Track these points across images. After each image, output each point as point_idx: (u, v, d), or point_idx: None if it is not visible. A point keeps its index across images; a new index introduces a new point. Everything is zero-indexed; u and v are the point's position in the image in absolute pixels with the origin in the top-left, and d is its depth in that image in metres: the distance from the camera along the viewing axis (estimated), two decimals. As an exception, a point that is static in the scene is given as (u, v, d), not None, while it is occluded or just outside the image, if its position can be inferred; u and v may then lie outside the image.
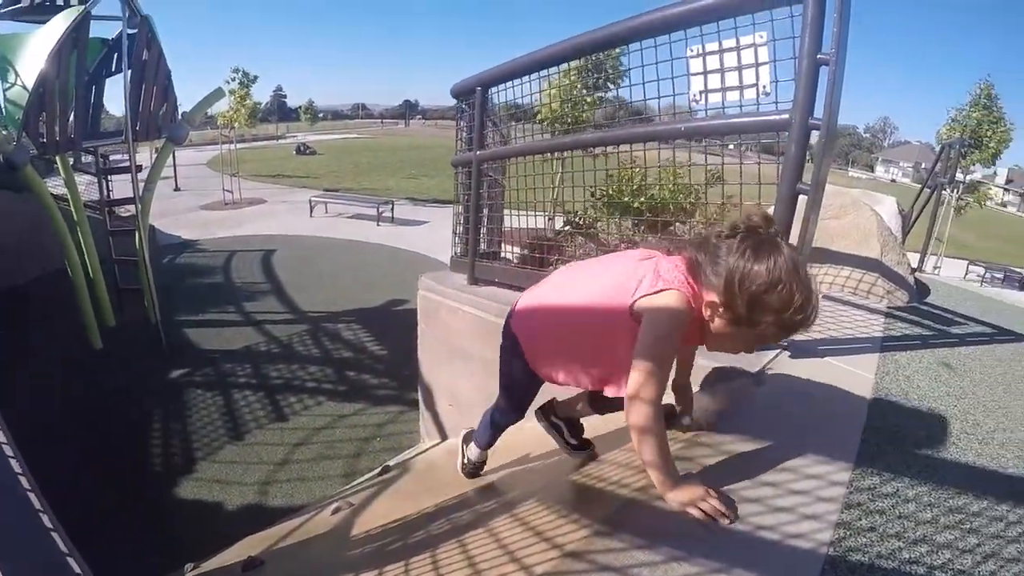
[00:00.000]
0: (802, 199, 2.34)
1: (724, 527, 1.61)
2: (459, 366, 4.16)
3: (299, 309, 10.62)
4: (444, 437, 4.54)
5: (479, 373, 3.88)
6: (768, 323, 1.56)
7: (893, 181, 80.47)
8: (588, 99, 7.10)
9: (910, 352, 3.43)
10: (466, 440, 2.85)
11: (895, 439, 2.27)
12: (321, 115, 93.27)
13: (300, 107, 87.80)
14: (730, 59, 2.43)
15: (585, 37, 3.04)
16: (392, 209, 20.43)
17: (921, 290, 5.00)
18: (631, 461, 2.08)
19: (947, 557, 1.64)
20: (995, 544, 1.75)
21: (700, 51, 2.50)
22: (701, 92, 2.53)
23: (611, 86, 7.26)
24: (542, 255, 3.94)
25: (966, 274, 20.63)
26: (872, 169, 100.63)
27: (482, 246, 4.30)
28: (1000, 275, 21.44)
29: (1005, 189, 75.66)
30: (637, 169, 3.39)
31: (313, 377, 7.98)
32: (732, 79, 2.44)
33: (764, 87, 2.36)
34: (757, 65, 2.36)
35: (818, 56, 2.19)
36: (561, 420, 2.56)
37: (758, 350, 2.28)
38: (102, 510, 5.00)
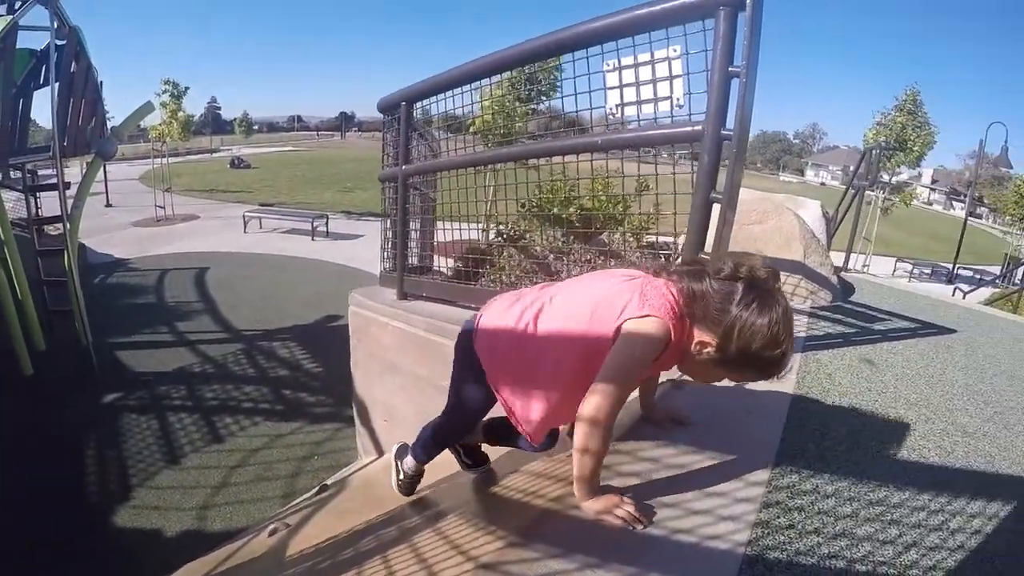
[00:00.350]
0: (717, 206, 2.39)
1: (640, 533, 1.63)
2: (391, 381, 4.14)
3: (233, 328, 10.44)
4: (381, 453, 4.52)
5: (411, 388, 3.88)
6: (751, 368, 1.61)
7: (823, 184, 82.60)
8: (520, 111, 7.14)
9: (832, 351, 3.50)
10: (400, 455, 2.69)
11: (815, 436, 2.32)
12: (256, 127, 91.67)
13: (235, 119, 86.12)
14: (645, 72, 2.48)
15: (500, 55, 3.08)
16: (327, 223, 20.32)
17: (845, 289, 5.14)
18: (550, 471, 2.10)
19: (867, 549, 1.68)
20: (916, 534, 1.79)
21: (616, 65, 2.54)
22: (617, 105, 2.57)
23: (544, 98, 7.30)
24: (473, 268, 3.95)
25: (894, 271, 21.35)
26: (802, 173, 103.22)
27: (412, 260, 4.30)
28: (928, 270, 22.32)
29: (931, 189, 78.61)
30: (564, 180, 3.42)
31: (249, 397, 7.85)
32: (647, 92, 2.49)
33: (678, 99, 2.41)
34: (671, 78, 2.42)
35: (729, 69, 2.23)
36: (459, 445, 2.57)
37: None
38: (35, 541, 4.87)
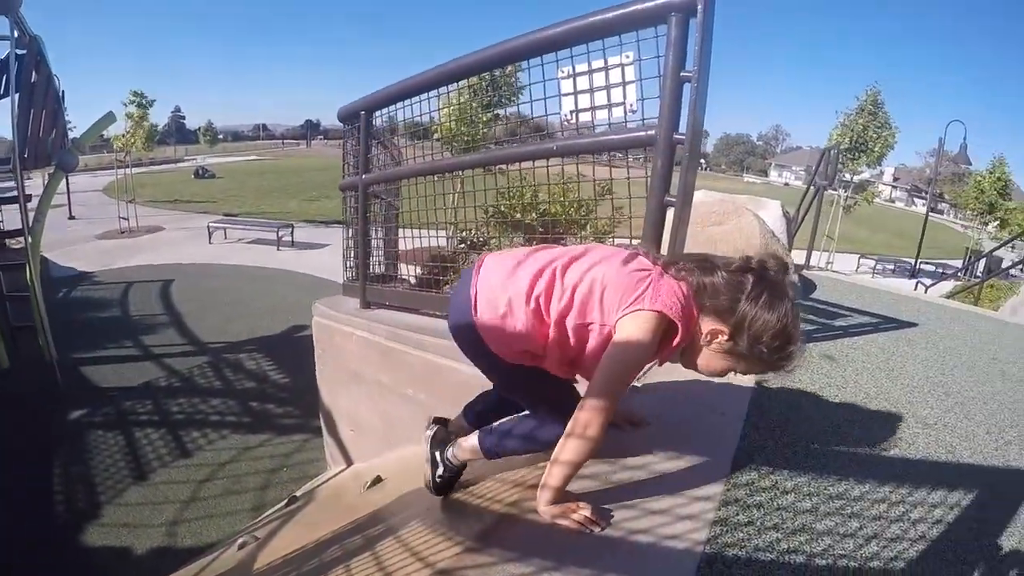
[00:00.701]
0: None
1: (598, 535, 1.64)
2: (356, 391, 4.12)
3: (199, 340, 10.29)
4: (349, 462, 4.50)
5: (376, 397, 3.86)
6: (761, 362, 1.62)
7: (786, 184, 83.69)
8: (483, 117, 7.14)
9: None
10: (437, 442, 2.24)
11: (774, 433, 2.34)
12: (221, 136, 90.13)
13: (199, 128, 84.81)
14: (599, 78, 2.50)
15: (457, 62, 3.07)
16: (292, 233, 20.14)
17: (807, 287, 5.21)
18: (508, 476, 2.12)
19: (827, 543, 1.70)
20: (877, 526, 1.82)
21: (571, 72, 2.56)
22: (572, 112, 2.59)
23: (506, 102, 7.31)
24: (436, 276, 3.96)
25: (858, 267, 21.69)
26: (766, 174, 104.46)
27: (375, 269, 4.28)
28: (891, 266, 22.73)
29: (892, 187, 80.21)
30: (524, 185, 3.42)
31: (216, 410, 7.75)
32: (602, 98, 2.51)
33: (631, 105, 2.43)
34: (624, 84, 2.44)
35: (681, 74, 2.25)
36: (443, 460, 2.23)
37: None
38: (4, 562, 4.79)
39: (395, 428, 3.71)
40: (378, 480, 3.32)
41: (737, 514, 1.78)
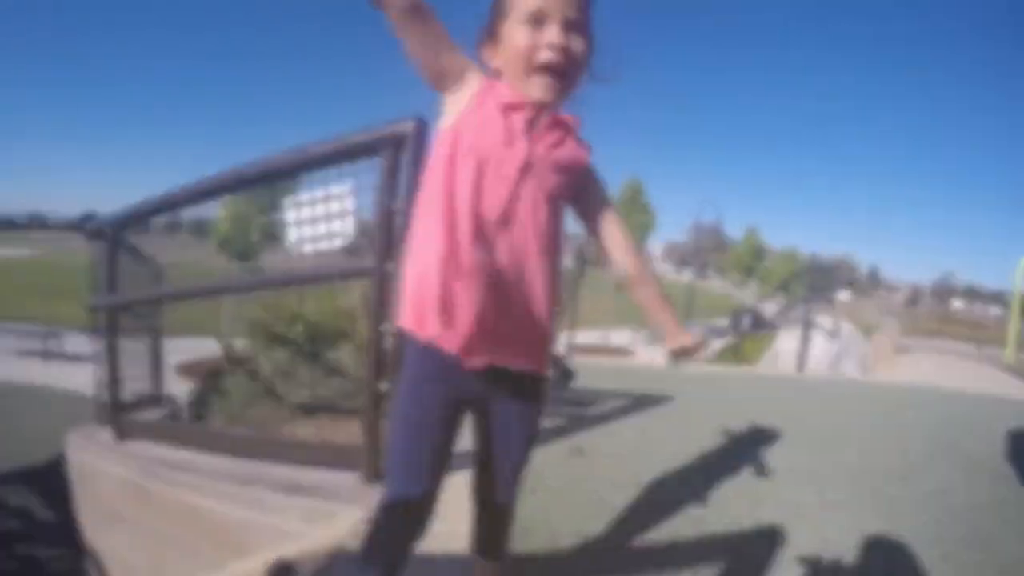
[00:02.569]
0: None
1: None
2: (120, 533, 3.79)
3: (-50, 476, 9.14)
4: (124, 613, 4.11)
5: (139, 540, 3.58)
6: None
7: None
8: (261, 221, 7.03)
9: (543, 447, 3.36)
10: None
11: (520, 541, 2.21)
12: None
13: (-36, 214, 76.76)
14: (322, 208, 2.58)
15: (193, 188, 3.07)
16: (61, 342, 18.54)
17: (565, 377, 5.32)
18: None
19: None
20: None
21: (296, 201, 2.62)
22: (298, 240, 2.65)
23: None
24: (197, 402, 3.84)
25: (633, 340, 23.11)
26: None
27: (134, 393, 4.06)
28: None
29: (662, 261, 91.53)
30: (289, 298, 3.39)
31: (-27, 560, 6.85)
32: (326, 226, 2.59)
33: (347, 235, 2.52)
34: (343, 215, 2.53)
35: (392, 206, 2.37)
36: None
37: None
38: None
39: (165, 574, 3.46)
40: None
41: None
